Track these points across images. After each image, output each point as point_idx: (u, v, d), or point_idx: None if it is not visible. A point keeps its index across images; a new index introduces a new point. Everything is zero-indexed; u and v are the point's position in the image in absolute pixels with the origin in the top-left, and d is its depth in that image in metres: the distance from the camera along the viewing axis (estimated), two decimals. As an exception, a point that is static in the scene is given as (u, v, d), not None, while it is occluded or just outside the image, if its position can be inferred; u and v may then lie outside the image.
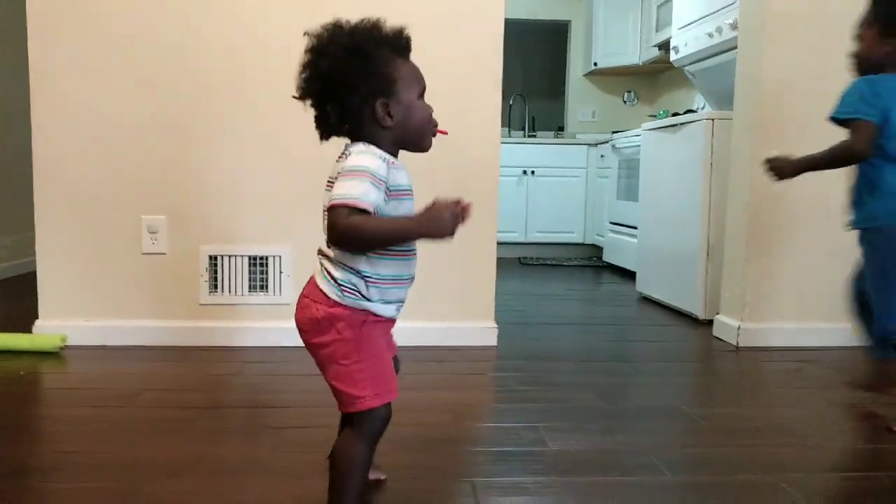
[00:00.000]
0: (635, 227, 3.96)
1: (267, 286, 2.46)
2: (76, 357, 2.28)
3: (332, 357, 1.10)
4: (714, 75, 3.77)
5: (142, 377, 2.10)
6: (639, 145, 3.88)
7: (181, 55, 2.37)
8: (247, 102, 2.40)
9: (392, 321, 1.18)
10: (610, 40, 5.48)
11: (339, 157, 1.11)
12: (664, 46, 4.58)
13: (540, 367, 2.30)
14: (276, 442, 1.59)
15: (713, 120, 2.98)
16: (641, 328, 3.04)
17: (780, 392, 2.07)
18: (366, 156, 1.06)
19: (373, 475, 1.34)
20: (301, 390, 1.97)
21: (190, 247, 2.42)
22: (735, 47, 2.81)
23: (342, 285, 1.09)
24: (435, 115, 1.16)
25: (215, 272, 2.44)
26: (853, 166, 1.82)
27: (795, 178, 1.88)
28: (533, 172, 5.22)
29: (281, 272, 2.45)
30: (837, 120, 1.79)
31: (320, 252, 1.13)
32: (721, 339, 2.69)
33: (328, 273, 1.10)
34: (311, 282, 1.14)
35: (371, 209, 1.02)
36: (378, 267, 1.09)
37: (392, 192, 1.08)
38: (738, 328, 2.60)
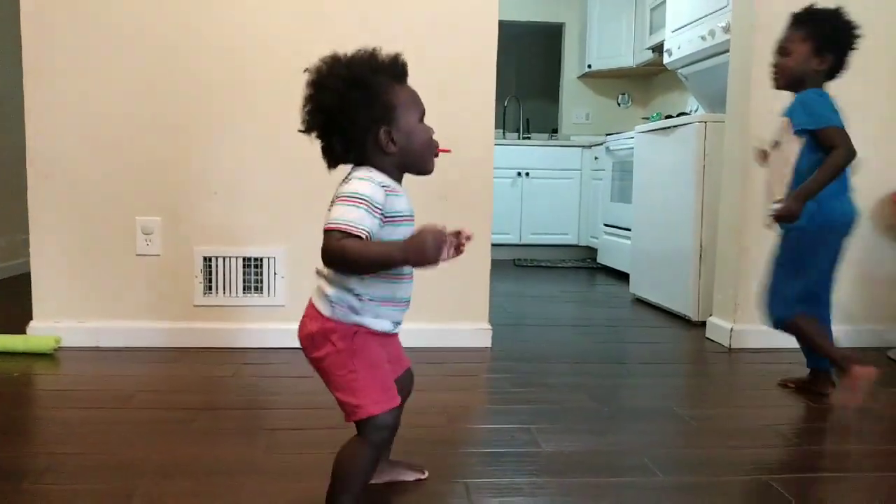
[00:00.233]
0: (629, 229, 3.98)
1: (261, 287, 2.46)
2: (70, 358, 2.28)
3: (330, 369, 1.14)
4: (707, 78, 3.80)
5: (136, 379, 2.10)
6: (632, 147, 3.90)
7: (179, 55, 2.37)
8: (245, 103, 2.40)
9: (391, 336, 1.21)
10: (604, 43, 5.50)
11: (343, 181, 1.14)
12: (658, 49, 4.60)
13: (534, 368, 2.31)
14: (270, 443, 1.59)
15: (706, 123, 3.00)
16: (635, 330, 3.06)
17: (771, 393, 2.09)
18: (365, 183, 1.09)
19: (411, 476, 1.39)
20: (296, 392, 1.97)
21: (184, 248, 2.42)
22: (728, 50, 2.83)
23: (334, 303, 1.13)
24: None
25: (210, 273, 2.44)
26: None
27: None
28: (527, 174, 5.23)
29: (275, 273, 2.46)
30: (808, 131, 1.84)
31: (318, 271, 1.16)
32: (714, 341, 2.71)
33: (323, 291, 1.15)
34: (310, 302, 1.18)
35: (363, 235, 1.05)
36: (370, 287, 1.13)
37: (388, 218, 1.11)
38: (731, 330, 2.61)
